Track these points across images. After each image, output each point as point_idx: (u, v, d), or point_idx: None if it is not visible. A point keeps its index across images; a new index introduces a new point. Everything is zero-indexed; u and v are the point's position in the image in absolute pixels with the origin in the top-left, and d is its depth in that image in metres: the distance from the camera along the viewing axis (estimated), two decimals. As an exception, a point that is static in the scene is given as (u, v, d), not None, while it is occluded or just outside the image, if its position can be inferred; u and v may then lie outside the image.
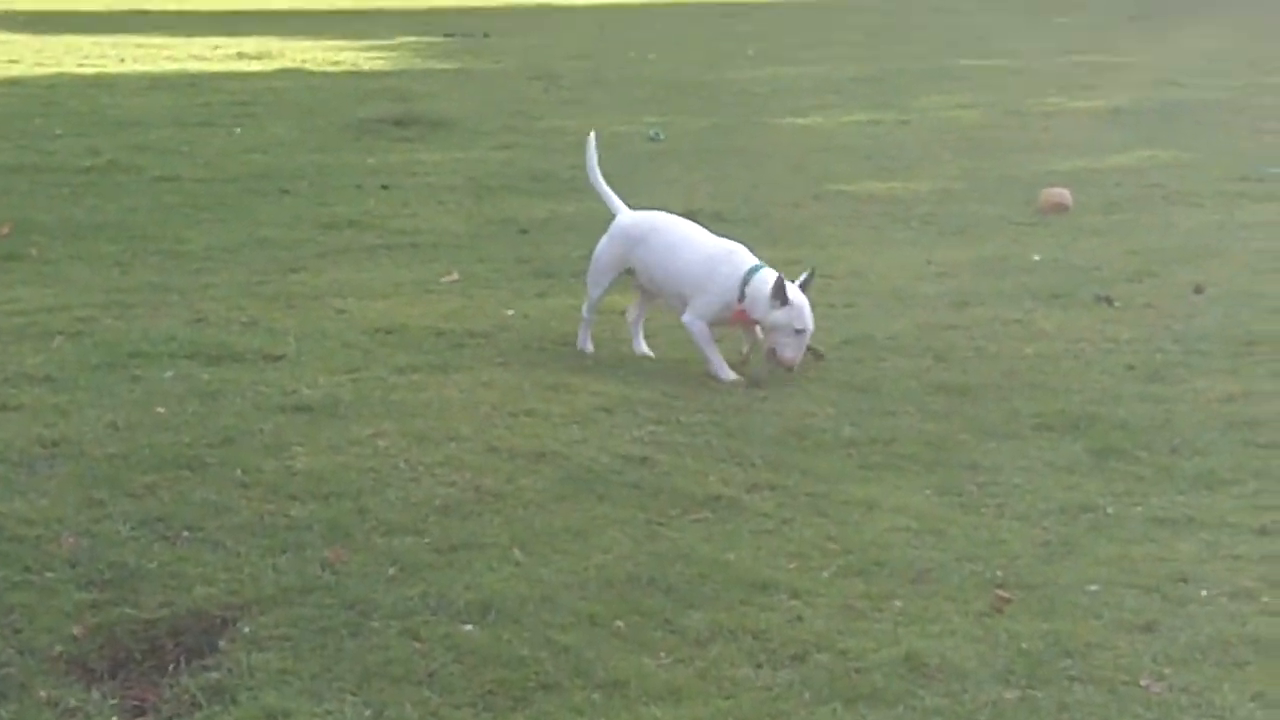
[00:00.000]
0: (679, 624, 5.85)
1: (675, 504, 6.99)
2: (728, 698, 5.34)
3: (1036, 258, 12.31)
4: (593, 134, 9.74)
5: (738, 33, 34.15)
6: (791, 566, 6.37)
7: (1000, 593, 6.16)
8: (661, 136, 18.57)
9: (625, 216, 9.64)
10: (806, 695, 5.35)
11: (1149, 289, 11.23)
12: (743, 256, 9.14)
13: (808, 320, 8.76)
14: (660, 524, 6.77)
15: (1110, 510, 7.09)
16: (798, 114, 21.46)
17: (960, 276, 11.54)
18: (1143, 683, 5.46)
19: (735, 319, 9.11)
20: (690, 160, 16.88)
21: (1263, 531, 6.85)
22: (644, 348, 9.46)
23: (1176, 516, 7.01)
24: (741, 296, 8.92)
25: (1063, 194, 14.48)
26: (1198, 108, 22.02)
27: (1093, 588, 6.24)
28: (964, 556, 6.52)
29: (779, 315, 8.71)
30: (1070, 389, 8.89)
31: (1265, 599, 6.16)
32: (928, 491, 7.28)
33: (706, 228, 9.90)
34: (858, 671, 5.49)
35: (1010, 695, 5.37)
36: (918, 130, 20.00)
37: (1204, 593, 6.21)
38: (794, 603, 6.04)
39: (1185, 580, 6.32)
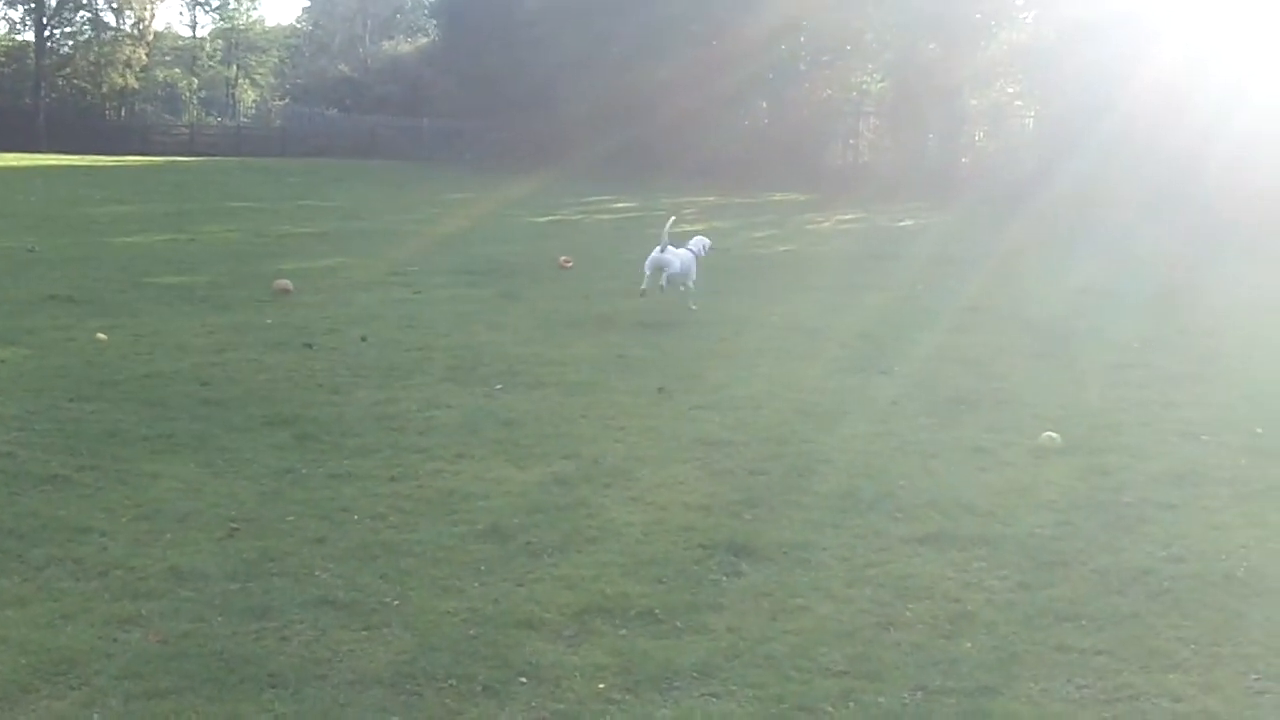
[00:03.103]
0: (26, 557, 5.42)
1: (29, 482, 6.44)
2: (56, 600, 4.98)
3: (269, 321, 11.98)
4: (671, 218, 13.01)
5: (91, 184, 32.23)
6: (103, 516, 5.96)
7: (233, 524, 5.96)
8: (36, 249, 17.09)
9: (668, 252, 12.51)
10: (107, 595, 5.06)
11: (335, 339, 11.10)
12: (690, 249, 13.11)
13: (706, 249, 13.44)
14: (17, 494, 6.22)
15: (304, 471, 6.90)
16: (126, 235, 20.15)
17: (222, 334, 11.13)
18: (317, 573, 5.35)
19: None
20: (55, 264, 15.64)
21: (392, 479, 6.76)
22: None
23: (343, 473, 6.85)
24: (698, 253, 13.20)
25: (286, 283, 14.16)
26: (369, 232, 22.07)
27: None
28: (212, 504, 6.25)
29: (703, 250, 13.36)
30: (285, 400, 8.66)
31: (392, 519, 6.05)
32: (193, 465, 6.93)
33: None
34: (140, 580, 5.23)
35: (234, 586, 5.20)
36: (202, 245, 19.09)
37: (355, 517, 6.12)
38: (104, 539, 5.67)
39: (346, 510, 6.19)
